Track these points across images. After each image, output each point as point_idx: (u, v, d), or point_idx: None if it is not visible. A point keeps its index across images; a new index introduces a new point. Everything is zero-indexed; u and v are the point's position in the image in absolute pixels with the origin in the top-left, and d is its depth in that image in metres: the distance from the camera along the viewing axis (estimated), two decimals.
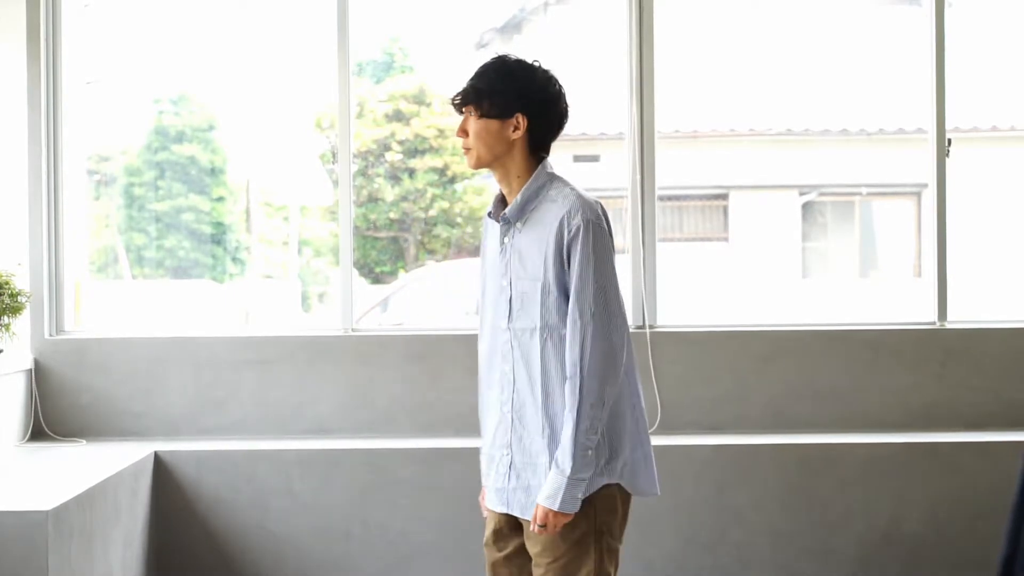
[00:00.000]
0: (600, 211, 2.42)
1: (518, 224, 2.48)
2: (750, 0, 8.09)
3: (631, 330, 4.27)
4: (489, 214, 2.56)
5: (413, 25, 7.72)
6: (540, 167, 2.48)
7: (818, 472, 4.06)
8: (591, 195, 2.47)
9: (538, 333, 2.42)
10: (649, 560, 4.02)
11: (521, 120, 2.45)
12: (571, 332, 2.36)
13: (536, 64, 2.51)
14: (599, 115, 7.33)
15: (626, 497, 2.48)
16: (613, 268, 2.41)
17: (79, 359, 4.25)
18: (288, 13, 6.68)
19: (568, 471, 2.33)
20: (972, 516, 4.05)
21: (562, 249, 2.39)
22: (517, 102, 2.45)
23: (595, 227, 2.38)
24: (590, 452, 2.35)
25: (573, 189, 2.45)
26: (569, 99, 2.54)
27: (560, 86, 2.51)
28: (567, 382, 2.37)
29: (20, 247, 4.20)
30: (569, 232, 2.38)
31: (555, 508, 2.34)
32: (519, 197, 2.47)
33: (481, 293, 2.59)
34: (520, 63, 2.49)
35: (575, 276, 2.37)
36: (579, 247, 2.37)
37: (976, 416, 4.31)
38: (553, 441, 2.40)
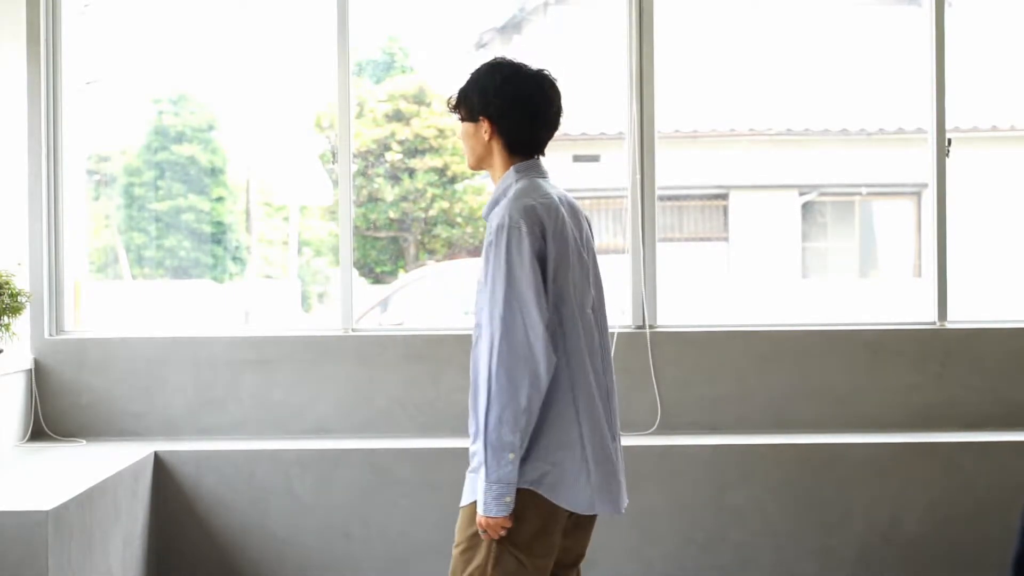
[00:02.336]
0: (528, 215, 2.36)
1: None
2: (750, 0, 8.09)
3: (631, 331, 4.30)
4: None
5: (413, 25, 7.72)
6: (511, 169, 2.49)
7: (818, 472, 4.06)
8: (540, 200, 2.40)
9: (475, 330, 2.44)
10: (649, 560, 4.02)
11: (486, 122, 2.47)
12: (483, 334, 2.36)
13: (504, 63, 2.49)
14: (599, 115, 7.33)
15: (545, 506, 2.37)
16: (530, 272, 2.33)
17: (79, 359, 4.25)
18: (288, 13, 6.69)
19: (483, 475, 2.32)
20: (972, 516, 4.05)
21: (485, 249, 2.42)
22: (479, 105, 2.47)
23: (510, 230, 2.35)
24: (510, 456, 2.31)
25: (520, 192, 2.42)
26: (564, 98, 2.52)
27: (530, 86, 2.46)
28: (481, 383, 2.36)
29: (20, 247, 4.20)
30: (489, 234, 2.40)
31: (480, 512, 2.33)
32: (491, 198, 2.52)
33: None
34: (490, 65, 2.50)
35: (487, 278, 2.37)
36: (492, 249, 2.37)
37: (976, 416, 4.31)
38: (476, 438, 2.40)
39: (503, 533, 2.34)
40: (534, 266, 2.35)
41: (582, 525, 2.51)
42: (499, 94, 2.46)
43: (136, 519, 3.80)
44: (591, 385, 2.42)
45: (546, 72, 2.53)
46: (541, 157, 2.55)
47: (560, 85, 2.55)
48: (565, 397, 2.39)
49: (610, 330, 2.58)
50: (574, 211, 2.53)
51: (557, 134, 2.58)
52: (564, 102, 2.56)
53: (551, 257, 2.38)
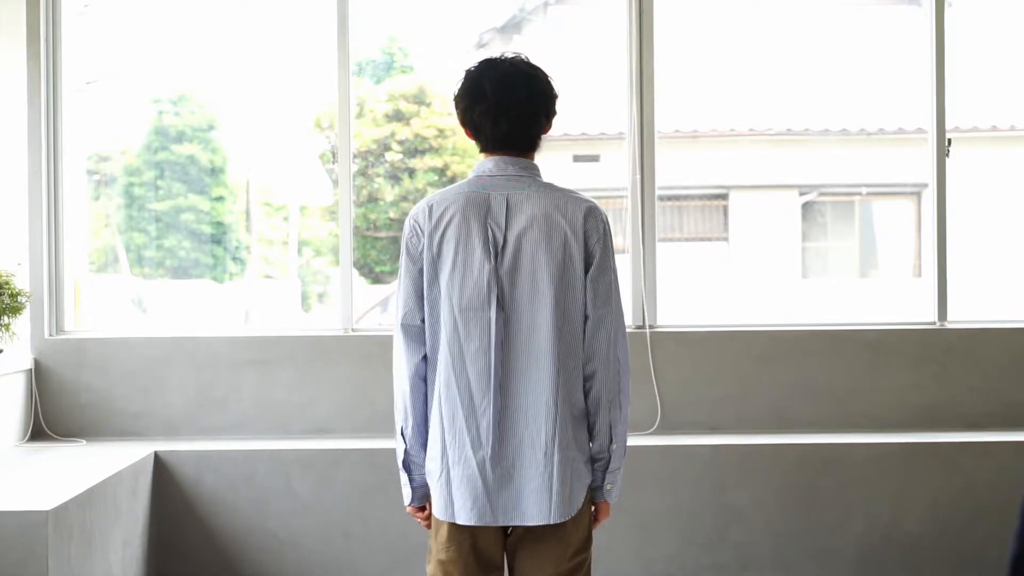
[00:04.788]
0: (410, 217, 2.41)
1: None
2: (750, 0, 8.08)
3: (631, 331, 4.30)
4: None
5: (413, 25, 7.71)
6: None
7: (818, 472, 4.06)
8: (436, 199, 2.39)
9: None
10: (649, 560, 4.02)
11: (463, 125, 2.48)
12: None
13: (473, 64, 2.45)
14: (599, 115, 7.32)
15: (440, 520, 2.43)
16: (402, 272, 2.41)
17: (79, 359, 4.25)
18: (288, 13, 6.68)
19: None
20: (972, 516, 4.05)
21: None
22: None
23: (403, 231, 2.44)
24: (402, 446, 2.46)
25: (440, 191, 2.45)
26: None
27: (474, 91, 2.40)
28: None
29: (20, 247, 4.20)
30: None
31: None
32: None
33: None
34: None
35: None
36: None
37: (976, 416, 4.31)
38: None
39: (420, 524, 2.53)
40: (407, 266, 2.41)
41: (526, 543, 2.39)
42: (458, 100, 2.45)
43: (136, 519, 3.80)
44: (455, 394, 2.35)
45: (502, 60, 2.41)
46: (520, 152, 2.42)
47: (547, 77, 2.44)
48: (435, 402, 2.39)
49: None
50: (510, 205, 2.35)
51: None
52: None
53: (426, 258, 2.38)
